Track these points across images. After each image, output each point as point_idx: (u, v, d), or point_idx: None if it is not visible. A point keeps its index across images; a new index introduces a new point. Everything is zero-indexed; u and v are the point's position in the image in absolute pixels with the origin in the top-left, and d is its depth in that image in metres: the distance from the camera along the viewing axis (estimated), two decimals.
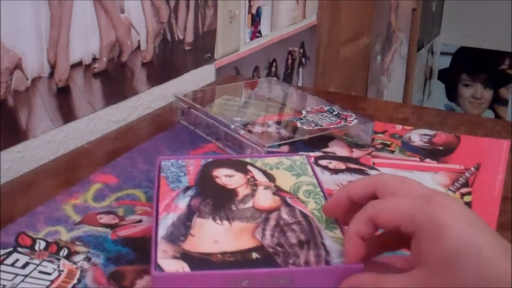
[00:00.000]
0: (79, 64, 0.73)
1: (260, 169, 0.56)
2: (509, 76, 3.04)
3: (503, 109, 3.11)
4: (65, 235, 0.52)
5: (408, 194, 0.42)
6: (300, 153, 0.60)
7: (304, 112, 0.76)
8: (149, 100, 0.87)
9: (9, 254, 0.49)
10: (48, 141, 0.71)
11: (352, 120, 0.74)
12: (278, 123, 0.74)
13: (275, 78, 1.10)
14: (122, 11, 0.79)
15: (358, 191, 0.45)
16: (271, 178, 0.54)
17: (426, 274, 0.38)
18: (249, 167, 0.56)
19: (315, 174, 0.55)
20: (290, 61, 1.35)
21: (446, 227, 0.37)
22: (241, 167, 0.56)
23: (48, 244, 0.50)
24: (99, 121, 0.78)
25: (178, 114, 0.79)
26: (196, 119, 0.75)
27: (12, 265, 0.47)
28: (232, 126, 0.69)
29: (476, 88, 3.14)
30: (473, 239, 0.37)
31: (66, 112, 0.73)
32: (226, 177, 0.54)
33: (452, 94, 3.21)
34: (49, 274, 0.46)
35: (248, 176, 0.54)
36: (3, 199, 0.57)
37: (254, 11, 1.14)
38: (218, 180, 0.53)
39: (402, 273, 0.40)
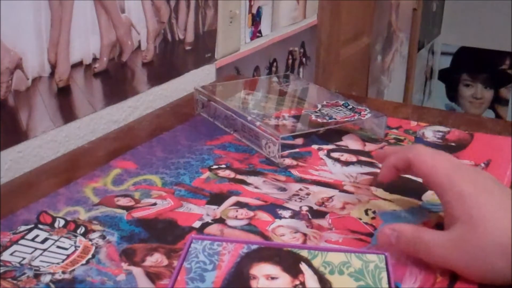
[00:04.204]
0: (79, 64, 0.73)
1: (316, 271, 0.42)
2: (510, 76, 3.04)
3: (503, 109, 3.11)
4: (83, 215, 0.55)
5: (443, 160, 0.51)
6: (379, 249, 0.46)
7: (319, 106, 0.78)
8: (149, 100, 0.87)
9: (30, 230, 0.52)
10: (48, 141, 0.71)
11: (366, 114, 0.75)
12: (294, 116, 0.76)
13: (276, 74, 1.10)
14: (123, 11, 0.79)
15: (402, 164, 0.54)
16: (327, 287, 0.41)
17: (460, 230, 0.46)
18: (302, 266, 0.43)
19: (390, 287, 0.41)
20: (290, 61, 1.35)
21: (463, 192, 0.47)
22: (292, 264, 0.43)
23: (67, 222, 0.54)
24: (100, 121, 0.78)
25: (199, 107, 0.81)
26: (215, 111, 0.78)
27: (33, 240, 0.51)
28: (249, 118, 0.71)
29: (476, 88, 3.14)
30: (488, 206, 0.46)
31: (67, 112, 0.73)
32: (266, 279, 0.41)
33: (452, 94, 3.21)
34: (66, 249, 0.50)
35: (297, 282, 0.41)
36: (3, 199, 0.58)
37: (254, 11, 1.14)
38: (253, 284, 0.41)
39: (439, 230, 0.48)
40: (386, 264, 0.43)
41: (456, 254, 0.46)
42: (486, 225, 0.45)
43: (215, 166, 0.66)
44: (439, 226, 0.50)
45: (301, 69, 1.41)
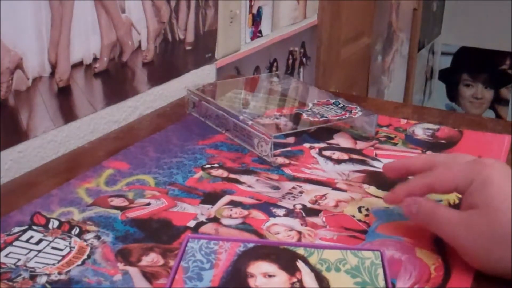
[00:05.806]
0: (80, 64, 0.73)
1: (313, 269, 0.43)
2: (510, 76, 3.04)
3: (504, 109, 3.11)
4: (77, 216, 0.55)
5: (458, 163, 0.51)
6: (374, 246, 0.47)
7: (310, 105, 0.79)
8: (149, 100, 0.87)
9: (24, 231, 0.52)
10: (49, 141, 0.71)
11: (357, 113, 0.76)
12: (286, 115, 0.77)
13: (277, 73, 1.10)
14: (123, 11, 0.79)
15: (417, 167, 0.54)
16: (324, 284, 0.41)
17: (474, 214, 0.46)
18: (299, 264, 0.43)
19: (387, 285, 0.42)
20: (290, 61, 1.35)
21: (491, 179, 0.47)
22: (289, 262, 0.43)
23: (61, 223, 0.54)
24: (100, 121, 0.78)
25: (190, 107, 0.81)
26: (207, 111, 0.78)
27: (27, 241, 0.51)
28: (241, 117, 0.71)
29: (476, 88, 3.14)
30: (509, 188, 0.46)
31: (67, 112, 0.73)
32: (264, 277, 0.42)
33: (452, 94, 3.21)
34: (61, 250, 0.50)
35: (294, 280, 0.42)
36: (4, 199, 0.58)
37: (254, 11, 1.14)
38: (251, 282, 0.41)
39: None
40: (382, 260, 0.43)
41: (464, 234, 0.46)
42: (502, 215, 0.45)
43: (208, 166, 0.66)
44: None
45: (301, 69, 1.41)
